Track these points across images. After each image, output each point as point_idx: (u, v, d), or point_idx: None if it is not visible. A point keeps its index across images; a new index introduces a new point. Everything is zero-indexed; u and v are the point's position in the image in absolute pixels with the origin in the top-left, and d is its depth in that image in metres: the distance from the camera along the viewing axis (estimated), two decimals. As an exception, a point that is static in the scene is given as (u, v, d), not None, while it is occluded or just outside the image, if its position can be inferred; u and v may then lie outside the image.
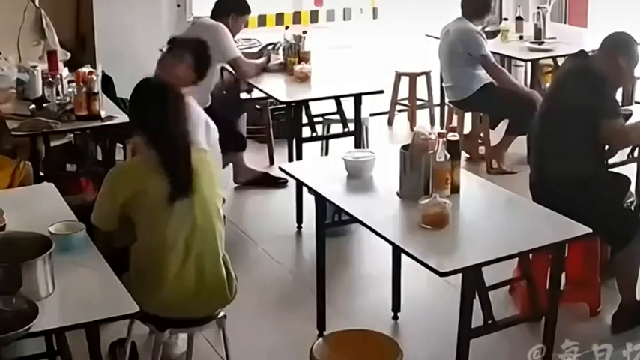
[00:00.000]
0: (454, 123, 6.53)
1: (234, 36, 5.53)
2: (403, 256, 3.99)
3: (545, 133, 4.11)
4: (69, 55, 5.74)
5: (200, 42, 4.57)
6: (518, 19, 6.85)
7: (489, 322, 3.20)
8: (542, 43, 6.54)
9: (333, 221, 4.53)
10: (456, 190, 3.43)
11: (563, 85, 4.18)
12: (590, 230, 3.18)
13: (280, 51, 5.78)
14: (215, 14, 5.52)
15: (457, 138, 3.45)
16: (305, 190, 4.84)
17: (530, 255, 3.38)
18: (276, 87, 5.43)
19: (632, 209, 4.33)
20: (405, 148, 3.47)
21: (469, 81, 6.03)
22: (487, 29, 6.38)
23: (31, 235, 2.75)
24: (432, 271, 2.90)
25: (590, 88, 3.92)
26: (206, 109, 5.22)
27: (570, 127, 3.91)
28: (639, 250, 4.01)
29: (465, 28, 6.03)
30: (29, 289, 2.55)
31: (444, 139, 3.34)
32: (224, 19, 5.46)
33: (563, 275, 3.64)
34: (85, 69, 4.70)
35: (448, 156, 3.34)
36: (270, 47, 5.88)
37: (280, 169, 4.12)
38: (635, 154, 5.00)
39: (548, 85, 6.56)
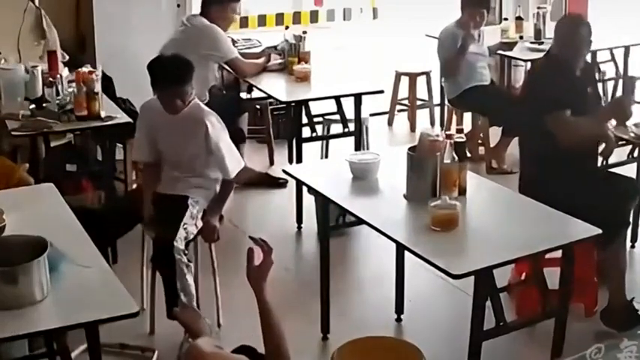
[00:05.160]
0: (454, 123, 6.57)
1: (226, 28, 5.49)
2: (406, 258, 4.00)
3: (525, 130, 4.24)
4: (67, 57, 5.73)
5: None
6: (518, 19, 6.85)
7: (501, 324, 3.20)
8: (542, 43, 6.53)
9: (337, 224, 4.54)
10: (462, 191, 3.43)
11: (529, 85, 4.32)
12: (600, 231, 3.19)
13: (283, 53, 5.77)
14: (204, 7, 5.50)
15: (464, 139, 3.45)
16: (305, 190, 4.84)
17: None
18: (276, 87, 5.42)
19: (621, 208, 4.27)
20: (411, 149, 3.47)
21: (456, 81, 6.09)
22: (504, 40, 6.39)
23: (27, 237, 2.74)
24: (444, 273, 2.90)
25: (542, 81, 4.06)
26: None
27: (541, 122, 3.97)
28: (622, 250, 4.04)
29: (445, 27, 6.12)
30: (25, 291, 2.55)
31: (452, 141, 3.34)
32: (213, 11, 5.43)
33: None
34: (85, 69, 4.70)
35: (456, 158, 3.33)
36: (271, 49, 5.87)
37: (284, 171, 4.12)
38: (635, 153, 5.01)
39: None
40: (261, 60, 5.70)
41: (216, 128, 4.04)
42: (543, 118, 3.94)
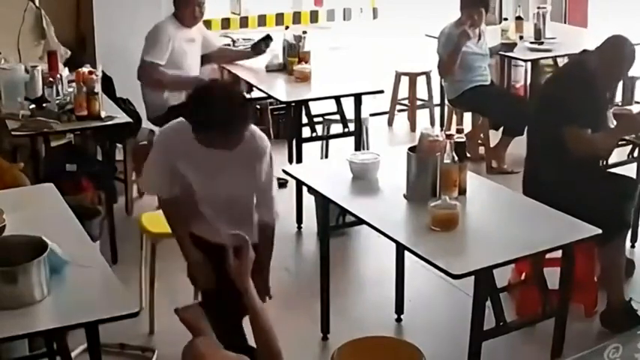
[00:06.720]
0: (454, 123, 6.57)
1: (191, 23, 5.37)
2: (406, 258, 4.00)
3: (534, 128, 4.22)
4: (69, 52, 5.74)
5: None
6: (518, 19, 6.85)
7: (501, 324, 3.20)
8: (542, 43, 6.55)
9: (337, 224, 4.54)
10: (462, 191, 3.44)
11: (552, 83, 4.28)
12: (600, 231, 3.19)
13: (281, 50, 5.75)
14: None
15: (464, 139, 3.45)
16: (305, 190, 4.84)
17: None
18: (276, 87, 5.42)
19: (621, 208, 4.27)
20: (411, 149, 3.47)
21: (456, 81, 6.09)
22: (504, 41, 6.39)
23: (27, 237, 2.74)
24: (444, 273, 2.90)
25: (570, 91, 3.98)
26: None
27: (553, 126, 3.97)
28: (621, 251, 4.03)
29: (444, 27, 6.13)
30: (25, 291, 2.55)
31: (452, 141, 3.34)
32: (179, 9, 5.39)
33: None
34: (85, 69, 4.70)
35: (456, 158, 3.34)
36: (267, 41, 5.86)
37: (284, 171, 4.11)
38: (635, 154, 5.01)
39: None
40: (190, 76, 5.35)
41: (272, 160, 3.31)
42: (561, 127, 3.93)
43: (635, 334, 2.78)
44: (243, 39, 6.43)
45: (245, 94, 3.26)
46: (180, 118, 3.21)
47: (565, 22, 7.94)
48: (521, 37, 6.62)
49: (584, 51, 4.19)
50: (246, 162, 3.21)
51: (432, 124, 7.10)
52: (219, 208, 3.26)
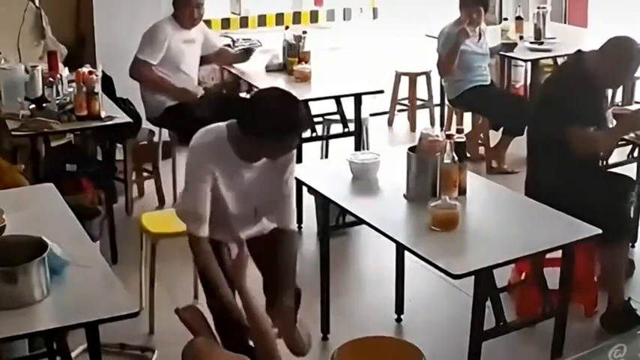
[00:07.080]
0: (454, 123, 6.57)
1: (190, 23, 5.37)
2: (406, 258, 4.00)
3: (535, 128, 4.21)
4: (66, 50, 5.73)
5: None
6: (518, 19, 6.85)
7: (501, 324, 3.20)
8: (542, 43, 6.55)
9: (337, 224, 4.55)
10: (462, 191, 3.44)
11: (552, 83, 4.28)
12: (600, 231, 3.19)
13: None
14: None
15: (464, 139, 3.45)
16: (305, 190, 4.84)
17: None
18: (275, 87, 5.41)
19: (621, 209, 4.27)
20: (411, 149, 3.47)
21: (456, 81, 6.08)
22: (504, 42, 6.39)
23: (27, 237, 2.74)
24: (444, 273, 2.90)
25: (571, 91, 3.96)
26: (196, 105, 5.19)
27: (553, 126, 3.96)
28: (623, 250, 4.03)
29: (444, 27, 6.13)
30: (25, 291, 2.55)
31: (452, 141, 3.34)
32: (176, 10, 5.41)
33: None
34: (85, 69, 4.70)
35: (456, 158, 3.34)
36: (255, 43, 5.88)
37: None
38: (635, 153, 5.01)
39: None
40: (177, 87, 5.32)
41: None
42: (561, 127, 3.92)
43: (638, 334, 2.78)
44: (243, 39, 6.43)
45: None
46: (205, 131, 3.12)
47: (565, 22, 7.94)
48: (521, 37, 6.62)
49: (579, 51, 4.18)
50: (278, 169, 3.18)
51: (432, 124, 7.10)
52: (246, 217, 3.25)
